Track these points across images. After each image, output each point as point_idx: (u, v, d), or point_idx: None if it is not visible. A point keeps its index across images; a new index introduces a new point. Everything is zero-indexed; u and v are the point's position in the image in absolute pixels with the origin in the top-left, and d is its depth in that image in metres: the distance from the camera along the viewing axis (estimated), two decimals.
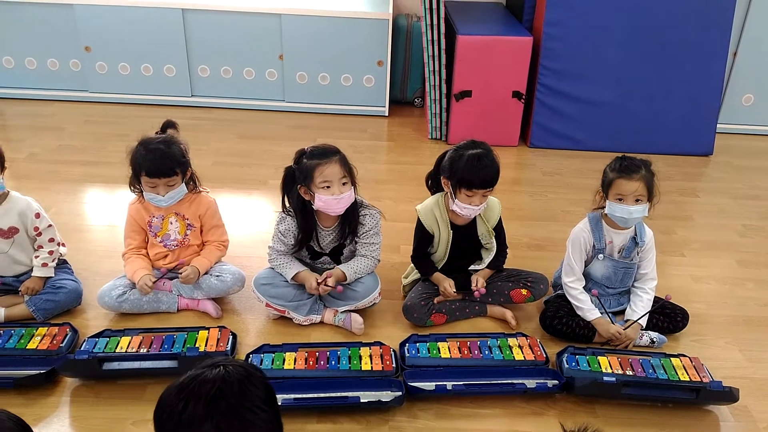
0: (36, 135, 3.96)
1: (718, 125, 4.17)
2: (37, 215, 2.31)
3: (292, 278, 2.30)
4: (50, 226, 2.36)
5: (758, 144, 4.38)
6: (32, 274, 2.32)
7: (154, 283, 2.30)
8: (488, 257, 2.44)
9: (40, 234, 2.32)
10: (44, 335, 2.14)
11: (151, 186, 2.25)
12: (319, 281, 2.27)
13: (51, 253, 2.34)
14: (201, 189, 2.45)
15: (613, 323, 2.30)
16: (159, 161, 2.21)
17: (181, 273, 2.33)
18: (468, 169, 2.19)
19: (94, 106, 4.43)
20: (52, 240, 2.35)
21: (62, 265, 2.45)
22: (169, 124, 2.39)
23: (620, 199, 2.23)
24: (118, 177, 3.42)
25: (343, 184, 2.20)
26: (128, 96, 4.45)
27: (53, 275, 2.35)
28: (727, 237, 3.19)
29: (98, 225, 3.02)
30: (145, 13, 4.20)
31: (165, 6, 4.18)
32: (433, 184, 2.44)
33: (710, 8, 3.83)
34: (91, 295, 2.42)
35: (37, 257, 2.32)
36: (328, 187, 2.17)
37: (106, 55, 4.33)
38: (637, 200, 2.22)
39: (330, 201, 2.19)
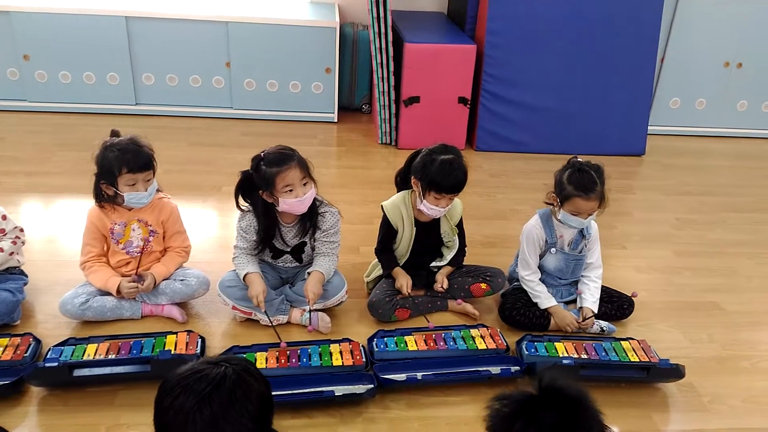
0: None
1: (649, 127, 4.44)
2: (4, 217, 2.30)
3: (243, 278, 2.33)
4: (17, 227, 2.36)
5: (685, 144, 4.69)
6: None
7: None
8: (449, 255, 2.55)
9: (5, 235, 2.32)
10: (6, 346, 2.09)
11: (131, 184, 2.26)
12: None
13: (14, 243, 2.34)
14: (162, 195, 2.46)
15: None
16: (137, 156, 2.24)
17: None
18: (439, 174, 2.29)
19: (35, 116, 4.30)
20: (18, 237, 2.36)
21: (18, 275, 2.40)
22: (115, 134, 2.35)
23: (575, 214, 2.36)
24: (63, 186, 3.38)
25: (304, 184, 2.25)
26: (70, 105, 4.34)
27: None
28: (663, 230, 3.41)
29: (47, 235, 2.95)
30: (87, 20, 4.12)
31: (108, 14, 4.11)
32: (401, 181, 2.52)
33: (639, 19, 4.10)
34: (51, 304, 2.38)
35: None
36: (291, 190, 2.23)
37: (46, 63, 4.21)
38: (589, 214, 2.37)
39: (294, 204, 2.25)
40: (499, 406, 1.16)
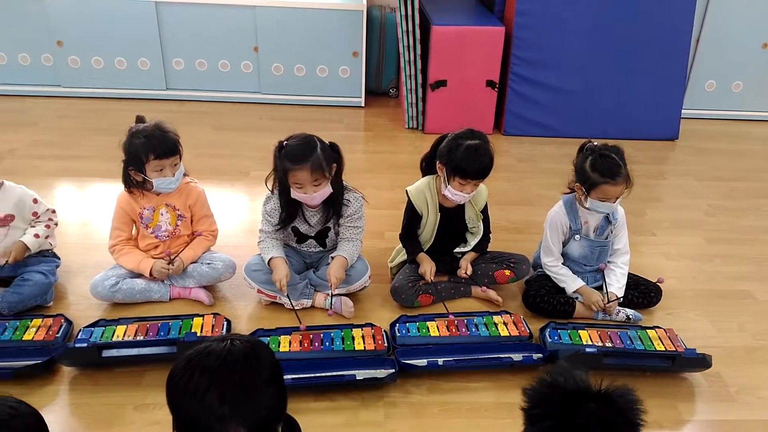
0: (9, 130, 3.92)
1: (682, 111, 4.33)
2: (35, 201, 2.37)
3: (268, 262, 2.36)
4: (48, 210, 2.42)
5: (720, 128, 4.57)
6: (20, 239, 2.32)
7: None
8: (473, 241, 2.54)
9: (39, 218, 2.39)
10: (39, 326, 2.16)
11: (158, 170, 2.29)
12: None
13: (48, 227, 2.40)
14: (189, 179, 2.49)
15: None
16: (163, 142, 2.27)
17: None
18: (465, 160, 2.27)
19: (68, 101, 4.39)
20: (51, 219, 2.42)
21: (50, 257, 2.46)
22: (141, 119, 2.38)
23: (603, 200, 2.33)
24: (95, 170, 3.46)
25: (316, 185, 2.24)
26: (102, 90, 4.42)
27: (35, 250, 2.36)
28: (694, 216, 3.34)
29: (80, 218, 3.02)
30: (118, 6, 4.17)
31: (138, 0, 4.17)
32: (427, 166, 2.51)
33: None
34: (82, 286, 2.44)
35: (33, 227, 2.37)
36: (300, 188, 2.24)
37: (79, 49, 4.29)
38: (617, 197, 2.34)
39: (303, 198, 2.28)
40: (545, 384, 1.11)
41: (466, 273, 2.49)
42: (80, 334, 2.13)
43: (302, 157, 2.19)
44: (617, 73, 4.12)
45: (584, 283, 2.45)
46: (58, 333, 2.14)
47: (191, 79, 4.45)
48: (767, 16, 4.31)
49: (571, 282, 2.44)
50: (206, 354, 1.16)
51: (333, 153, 2.29)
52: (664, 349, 2.20)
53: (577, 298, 2.46)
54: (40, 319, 2.19)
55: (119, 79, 4.40)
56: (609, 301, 2.39)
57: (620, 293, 2.42)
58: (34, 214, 2.38)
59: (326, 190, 2.28)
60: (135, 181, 2.35)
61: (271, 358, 1.23)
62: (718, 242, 3.09)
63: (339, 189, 2.36)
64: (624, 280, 2.45)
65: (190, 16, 4.25)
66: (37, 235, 2.35)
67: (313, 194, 2.25)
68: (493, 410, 2.03)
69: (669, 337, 2.27)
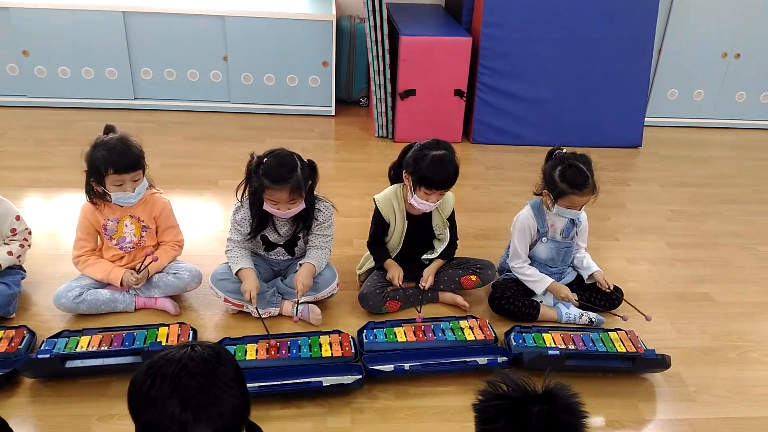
0: None
1: (646, 119, 4.44)
2: (18, 218, 2.37)
3: (236, 272, 2.36)
4: (26, 230, 2.41)
5: (682, 135, 4.68)
6: None
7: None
8: (440, 247, 2.57)
9: (15, 236, 2.38)
10: (1, 338, 2.13)
11: (118, 184, 2.27)
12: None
13: (22, 246, 2.39)
14: (155, 190, 2.49)
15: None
16: (124, 156, 2.24)
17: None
18: (430, 170, 2.31)
19: (35, 111, 4.33)
20: (26, 239, 2.41)
21: (15, 269, 2.44)
22: (110, 129, 2.35)
23: (570, 207, 2.41)
24: (63, 181, 3.42)
25: (292, 202, 2.27)
26: (69, 100, 4.37)
27: (5, 267, 2.34)
28: (656, 221, 3.42)
29: (47, 229, 2.98)
30: (85, 16, 4.14)
31: (106, 9, 4.13)
32: (395, 175, 2.54)
33: (636, 10, 4.09)
34: (47, 297, 2.41)
35: (6, 244, 2.35)
36: (275, 203, 2.26)
37: (46, 59, 4.24)
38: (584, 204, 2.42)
39: (276, 212, 2.30)
40: (492, 396, 1.17)
41: (425, 284, 2.50)
42: (43, 345, 2.11)
43: (282, 179, 2.20)
44: (582, 82, 4.20)
45: (552, 280, 2.50)
46: (20, 344, 2.11)
47: (160, 88, 4.43)
48: (726, 26, 4.45)
49: (539, 283, 2.49)
50: (167, 360, 1.16)
51: (311, 171, 2.31)
52: (625, 350, 2.25)
53: (541, 301, 2.52)
54: (2, 331, 2.16)
55: (86, 89, 4.36)
56: (606, 282, 2.51)
57: (597, 268, 2.56)
58: (12, 230, 2.37)
59: (300, 206, 2.30)
60: (97, 192, 2.33)
61: (233, 362, 1.23)
62: (680, 246, 3.17)
63: (311, 202, 2.37)
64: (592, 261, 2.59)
65: (158, 26, 4.23)
66: (10, 253, 2.35)
67: (286, 211, 2.28)
68: (459, 413, 2.05)
69: (630, 339, 2.32)
